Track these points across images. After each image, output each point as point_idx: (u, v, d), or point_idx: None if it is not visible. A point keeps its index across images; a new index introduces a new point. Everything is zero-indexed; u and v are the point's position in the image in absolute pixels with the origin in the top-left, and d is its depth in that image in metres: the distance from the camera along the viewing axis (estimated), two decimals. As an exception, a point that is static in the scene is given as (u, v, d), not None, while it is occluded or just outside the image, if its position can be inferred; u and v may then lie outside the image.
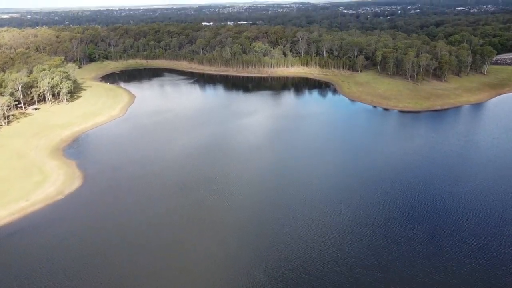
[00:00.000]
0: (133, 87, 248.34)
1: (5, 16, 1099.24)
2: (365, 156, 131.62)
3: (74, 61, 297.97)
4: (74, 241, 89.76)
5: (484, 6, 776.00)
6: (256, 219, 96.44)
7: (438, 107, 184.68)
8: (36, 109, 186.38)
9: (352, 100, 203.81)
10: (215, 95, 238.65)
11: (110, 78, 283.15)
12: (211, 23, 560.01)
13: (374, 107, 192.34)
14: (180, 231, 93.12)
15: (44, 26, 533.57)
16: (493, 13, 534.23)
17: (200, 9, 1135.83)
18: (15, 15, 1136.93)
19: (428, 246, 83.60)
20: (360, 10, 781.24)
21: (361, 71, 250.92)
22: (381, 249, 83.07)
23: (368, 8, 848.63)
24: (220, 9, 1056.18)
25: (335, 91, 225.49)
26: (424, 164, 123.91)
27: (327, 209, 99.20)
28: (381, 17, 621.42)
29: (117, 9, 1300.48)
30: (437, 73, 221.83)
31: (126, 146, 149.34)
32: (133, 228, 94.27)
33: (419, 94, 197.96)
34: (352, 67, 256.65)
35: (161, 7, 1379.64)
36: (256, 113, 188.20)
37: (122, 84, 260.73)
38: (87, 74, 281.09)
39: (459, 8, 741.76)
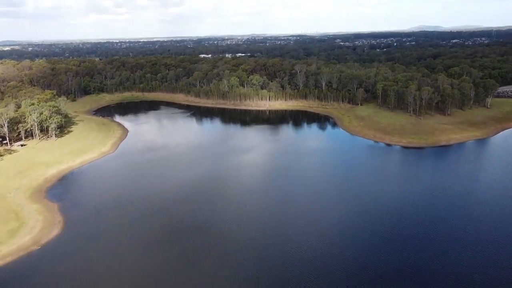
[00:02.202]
0: (127, 121, 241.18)
1: (7, 48, 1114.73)
2: (370, 201, 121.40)
3: (69, 94, 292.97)
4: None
5: (478, 39, 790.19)
6: (253, 275, 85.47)
7: (444, 143, 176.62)
8: (22, 145, 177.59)
9: (353, 135, 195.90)
10: (212, 129, 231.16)
11: (105, 111, 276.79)
12: (210, 55, 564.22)
13: (377, 142, 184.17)
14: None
15: (43, 58, 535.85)
16: (488, 45, 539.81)
17: (199, 41, 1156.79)
18: (16, 47, 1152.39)
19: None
20: (356, 43, 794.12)
21: (361, 104, 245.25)
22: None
23: (364, 41, 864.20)
24: (219, 42, 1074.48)
25: (335, 125, 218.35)
26: (436, 210, 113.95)
27: (327, 264, 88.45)
28: (378, 49, 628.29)
29: (117, 41, 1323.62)
30: (440, 107, 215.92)
31: (114, 186, 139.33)
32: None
33: (423, 129, 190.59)
34: (352, 100, 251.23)
35: (160, 39, 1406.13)
36: (254, 150, 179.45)
37: (116, 118, 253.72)
38: (80, 108, 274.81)
39: (453, 41, 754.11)
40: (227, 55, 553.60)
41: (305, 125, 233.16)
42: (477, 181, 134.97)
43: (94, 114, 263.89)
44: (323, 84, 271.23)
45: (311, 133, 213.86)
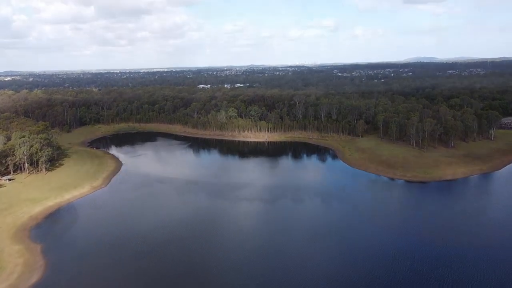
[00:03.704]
0: (122, 153, 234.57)
1: (8, 78, 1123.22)
2: (372, 245, 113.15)
3: (64, 125, 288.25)
4: None
5: (474, 69, 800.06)
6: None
7: (449, 177, 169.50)
8: (10, 179, 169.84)
9: (355, 169, 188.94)
10: (209, 162, 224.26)
11: (100, 142, 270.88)
12: (208, 85, 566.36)
13: (379, 176, 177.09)
14: None
15: (43, 88, 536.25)
16: (485, 76, 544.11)
17: (198, 72, 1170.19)
18: (17, 78, 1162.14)
19: None
20: (354, 73, 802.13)
21: (361, 136, 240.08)
22: None
23: (362, 71, 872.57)
24: (218, 72, 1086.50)
25: (335, 158, 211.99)
26: (448, 264, 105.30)
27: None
28: (375, 80, 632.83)
29: (117, 71, 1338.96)
30: (443, 139, 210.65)
31: (103, 225, 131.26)
32: None
33: (426, 162, 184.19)
34: (352, 132, 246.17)
35: (160, 70, 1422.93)
36: (252, 185, 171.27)
37: (111, 150, 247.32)
38: (75, 139, 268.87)
39: (450, 72, 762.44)
40: (226, 85, 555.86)
41: (304, 157, 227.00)
42: (490, 222, 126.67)
43: (88, 146, 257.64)
44: (323, 115, 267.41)
45: (311, 167, 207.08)
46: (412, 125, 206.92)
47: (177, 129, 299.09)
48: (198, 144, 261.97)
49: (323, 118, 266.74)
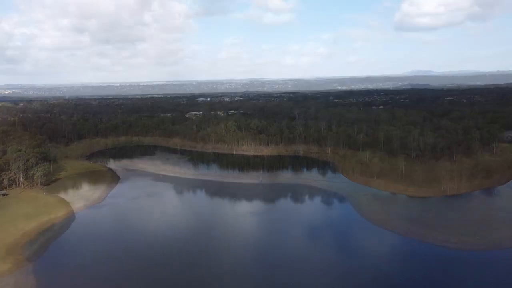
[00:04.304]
0: (120, 167, 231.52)
1: (8, 91, 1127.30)
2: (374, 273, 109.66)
3: (62, 138, 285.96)
4: None
5: (473, 83, 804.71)
6: None
7: (454, 192, 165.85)
8: (4, 194, 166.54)
9: (354, 183, 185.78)
10: (208, 175, 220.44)
11: (98, 156, 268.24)
12: (208, 98, 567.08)
13: (380, 191, 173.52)
14: None
15: (43, 101, 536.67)
16: (485, 89, 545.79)
17: (198, 85, 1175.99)
18: (18, 91, 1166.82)
19: None
20: (353, 86, 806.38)
21: (362, 150, 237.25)
22: None
23: (361, 84, 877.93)
24: (218, 86, 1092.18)
25: (335, 171, 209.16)
26: None
27: None
28: (375, 94, 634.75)
29: (117, 84, 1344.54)
30: (445, 152, 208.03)
31: (99, 241, 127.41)
32: None
33: (429, 176, 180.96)
34: (353, 145, 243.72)
35: (160, 83, 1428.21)
36: (252, 198, 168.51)
37: (109, 163, 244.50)
38: (73, 152, 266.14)
39: (449, 85, 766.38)
40: (225, 98, 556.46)
41: (304, 171, 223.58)
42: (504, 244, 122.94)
43: (86, 159, 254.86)
44: (322, 128, 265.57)
45: (310, 181, 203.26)
46: (413, 138, 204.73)
47: (176, 142, 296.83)
48: (197, 157, 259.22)
49: (323, 131, 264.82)
